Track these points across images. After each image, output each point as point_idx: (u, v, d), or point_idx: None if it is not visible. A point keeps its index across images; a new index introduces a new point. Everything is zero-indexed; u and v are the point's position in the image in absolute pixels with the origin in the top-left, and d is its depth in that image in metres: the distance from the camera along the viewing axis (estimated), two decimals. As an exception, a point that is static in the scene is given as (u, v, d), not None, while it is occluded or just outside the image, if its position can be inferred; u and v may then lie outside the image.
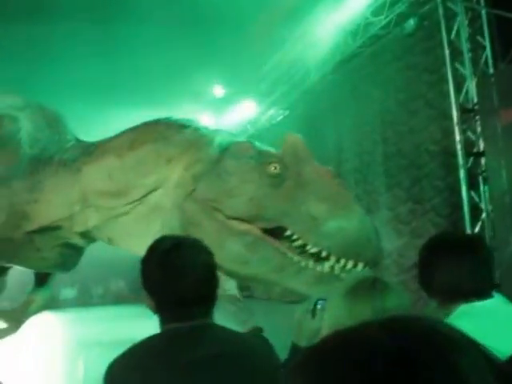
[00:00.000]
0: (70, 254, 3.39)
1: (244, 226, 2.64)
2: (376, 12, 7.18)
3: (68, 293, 11.85)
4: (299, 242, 2.52)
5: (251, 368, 1.39)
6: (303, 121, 9.19)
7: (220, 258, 2.39)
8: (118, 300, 10.32)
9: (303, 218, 2.48)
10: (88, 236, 3.17)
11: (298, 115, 9.52)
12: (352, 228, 2.42)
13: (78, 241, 3.22)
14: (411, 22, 6.94)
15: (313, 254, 2.49)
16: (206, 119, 10.96)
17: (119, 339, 5.92)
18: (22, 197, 3.15)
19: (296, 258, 2.52)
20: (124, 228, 2.93)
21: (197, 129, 2.92)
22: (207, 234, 2.63)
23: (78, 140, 3.47)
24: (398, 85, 7.09)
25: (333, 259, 2.45)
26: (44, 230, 3.13)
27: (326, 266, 2.45)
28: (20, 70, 8.06)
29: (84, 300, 11.52)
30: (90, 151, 3.07)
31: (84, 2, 7.78)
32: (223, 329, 1.46)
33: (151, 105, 8.59)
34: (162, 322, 1.43)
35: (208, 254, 1.47)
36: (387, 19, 7.03)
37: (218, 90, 10.09)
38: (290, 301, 9.38)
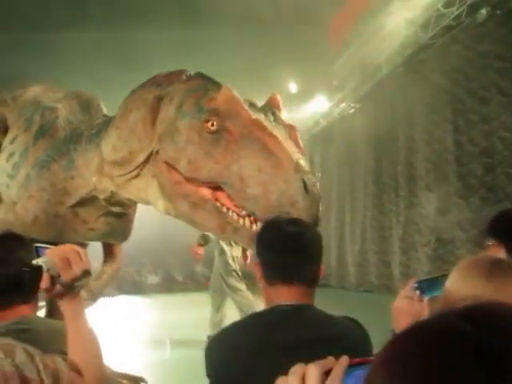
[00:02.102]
0: (116, 223, 3.54)
1: (190, 188, 2.64)
2: (447, 4, 7.30)
3: (152, 279, 12.59)
4: (234, 203, 2.48)
5: (348, 351, 1.46)
6: (374, 113, 9.39)
7: (178, 217, 2.90)
8: (200, 287, 10.70)
9: (234, 178, 2.39)
10: (115, 202, 3.31)
11: (370, 108, 9.71)
12: (276, 190, 2.25)
13: (113, 208, 3.36)
14: (483, 12, 7.02)
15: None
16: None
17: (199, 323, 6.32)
18: (60, 176, 3.34)
19: (232, 217, 2.48)
20: (139, 188, 3.04)
21: (167, 87, 2.89)
22: (167, 194, 2.82)
23: (105, 116, 3.63)
24: (469, 74, 7.15)
25: (260, 222, 2.35)
26: (83, 203, 3.31)
27: (255, 228, 2.37)
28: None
29: (168, 286, 12.12)
30: (107, 125, 3.22)
31: (168, 6, 8.37)
32: (320, 311, 1.53)
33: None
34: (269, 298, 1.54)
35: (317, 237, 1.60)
36: (459, 10, 7.15)
37: (293, 86, 10.48)
38: (364, 289, 9.64)
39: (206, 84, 2.75)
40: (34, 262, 1.26)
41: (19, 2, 7.76)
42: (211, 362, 1.52)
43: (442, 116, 7.74)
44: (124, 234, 3.74)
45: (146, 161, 2.88)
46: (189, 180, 2.64)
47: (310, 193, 2.21)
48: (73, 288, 1.26)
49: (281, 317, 1.48)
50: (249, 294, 5.97)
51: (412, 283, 1.38)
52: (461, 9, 7.13)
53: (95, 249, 4.01)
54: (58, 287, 1.24)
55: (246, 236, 2.45)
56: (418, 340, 0.46)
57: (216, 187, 2.54)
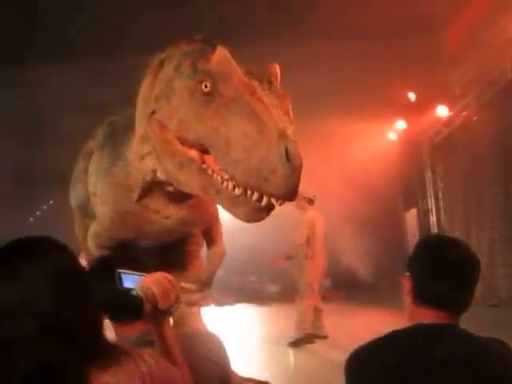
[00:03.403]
0: (187, 207, 3.46)
1: (179, 147, 2.64)
2: None
3: (272, 288, 12.89)
4: (218, 166, 2.47)
5: (492, 373, 1.37)
6: (500, 120, 8.95)
7: (163, 174, 2.93)
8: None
9: (220, 141, 2.36)
10: (161, 182, 3.23)
11: (494, 115, 9.27)
12: (257, 156, 2.19)
13: (168, 188, 3.29)
14: None
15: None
16: (400, 124, 11.27)
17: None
18: (120, 176, 3.35)
19: (216, 179, 2.47)
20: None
21: (170, 51, 2.88)
22: (156, 153, 2.84)
23: None
24: None
25: (240, 187, 2.34)
26: (146, 193, 3.28)
27: (237, 191, 2.36)
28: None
29: (289, 296, 12.31)
30: None
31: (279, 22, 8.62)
32: (465, 331, 1.49)
33: (350, 113, 9.22)
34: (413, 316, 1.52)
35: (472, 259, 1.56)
36: None
37: (412, 95, 10.34)
38: (492, 304, 9.13)
39: (205, 46, 2.73)
40: (133, 293, 1.30)
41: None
42: (351, 376, 1.52)
43: None
44: (201, 218, 3.68)
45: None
46: (180, 140, 2.64)
47: (292, 161, 2.14)
48: (167, 314, 1.38)
49: (425, 335, 1.46)
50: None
51: None
52: None
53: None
54: (157, 315, 1.35)
55: (227, 199, 2.44)
56: None
57: (204, 150, 2.53)
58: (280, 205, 2.36)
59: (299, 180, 2.21)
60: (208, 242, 4.14)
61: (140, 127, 3.00)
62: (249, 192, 2.32)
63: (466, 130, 10.43)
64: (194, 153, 2.60)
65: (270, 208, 2.38)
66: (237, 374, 3.16)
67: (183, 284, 3.81)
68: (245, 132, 2.27)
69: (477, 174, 10.26)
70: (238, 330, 7.81)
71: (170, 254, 3.90)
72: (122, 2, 8.25)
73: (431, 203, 11.95)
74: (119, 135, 3.44)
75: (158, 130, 2.77)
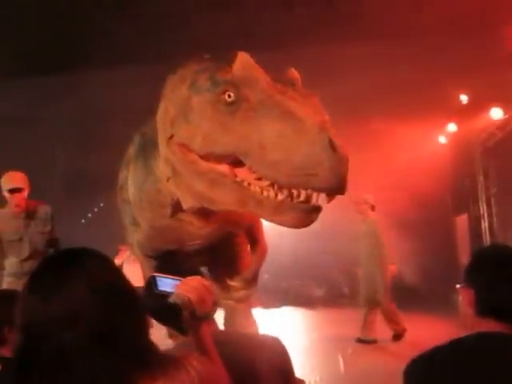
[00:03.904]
0: (218, 215, 3.39)
1: (206, 165, 2.52)
2: None
3: (317, 292, 12.81)
4: (255, 175, 2.35)
5: None
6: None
7: (195, 198, 2.77)
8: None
9: (254, 147, 2.25)
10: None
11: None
12: (299, 153, 2.08)
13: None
14: None
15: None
16: (451, 126, 10.98)
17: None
18: (152, 193, 3.32)
19: (255, 190, 2.35)
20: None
21: (180, 71, 2.82)
22: (184, 177, 2.71)
23: None
24: None
25: (285, 190, 2.23)
26: (178, 209, 3.20)
27: (280, 197, 2.25)
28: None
29: (334, 300, 12.21)
30: None
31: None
32: None
33: (400, 114, 9.04)
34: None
35: None
36: None
37: (464, 97, 10.06)
38: None
39: (219, 61, 2.66)
40: (170, 300, 1.30)
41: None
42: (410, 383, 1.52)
43: None
44: (238, 223, 3.65)
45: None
46: (204, 158, 2.52)
47: (337, 151, 2.04)
48: (204, 319, 1.35)
49: (490, 344, 1.45)
50: None
51: None
52: None
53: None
54: (195, 322, 1.33)
55: (270, 207, 2.30)
56: None
57: (234, 162, 2.42)
58: (329, 201, 2.25)
59: (347, 170, 2.12)
60: (250, 240, 4.13)
61: (162, 150, 2.93)
62: (295, 193, 2.23)
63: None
64: (224, 167, 2.49)
65: (318, 209, 2.27)
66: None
67: (230, 282, 4.01)
68: (279, 132, 2.17)
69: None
70: (286, 332, 7.79)
71: (216, 253, 3.92)
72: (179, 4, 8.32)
73: (483, 208, 11.57)
74: (148, 148, 3.38)
75: (179, 153, 2.68)
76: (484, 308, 1.51)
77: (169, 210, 3.25)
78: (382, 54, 8.68)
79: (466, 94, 10.04)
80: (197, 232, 3.43)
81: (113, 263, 1.20)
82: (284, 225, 2.36)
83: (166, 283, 1.34)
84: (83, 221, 15.17)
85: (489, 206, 11.45)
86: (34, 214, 4.68)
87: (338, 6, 8.42)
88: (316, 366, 5.91)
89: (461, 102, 10.35)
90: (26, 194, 4.62)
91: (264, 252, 4.20)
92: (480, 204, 11.63)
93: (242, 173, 2.43)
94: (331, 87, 9.08)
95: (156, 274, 1.35)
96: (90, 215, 15.39)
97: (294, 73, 2.55)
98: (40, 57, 8.44)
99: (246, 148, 2.30)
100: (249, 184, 2.39)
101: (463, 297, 1.56)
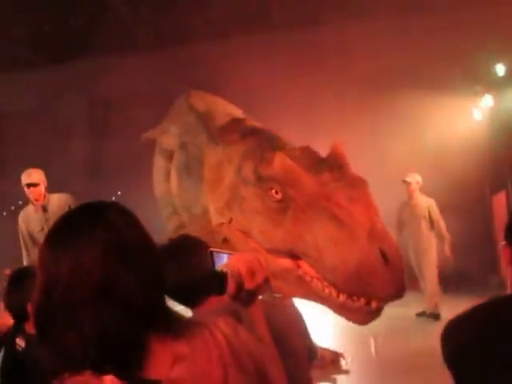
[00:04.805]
0: None
1: (269, 258, 2.56)
2: None
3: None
4: (313, 273, 2.39)
5: None
6: None
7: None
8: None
9: (310, 249, 2.32)
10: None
11: None
12: (353, 261, 2.13)
13: None
14: None
15: None
16: (488, 100, 10.44)
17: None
18: (201, 219, 3.47)
19: (317, 287, 2.37)
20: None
21: (225, 149, 2.93)
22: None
23: None
24: None
25: (344, 294, 2.26)
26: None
27: (342, 298, 2.28)
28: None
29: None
30: None
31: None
32: None
33: (431, 89, 8.63)
34: None
35: None
36: None
37: (500, 68, 9.52)
38: None
39: (262, 144, 2.72)
40: (218, 269, 1.31)
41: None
42: (446, 345, 1.47)
43: None
44: None
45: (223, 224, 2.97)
46: (267, 250, 2.59)
47: (390, 261, 2.05)
48: (255, 295, 1.31)
49: None
50: None
51: None
52: None
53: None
54: (243, 294, 1.29)
55: (333, 305, 2.35)
56: None
57: (296, 255, 2.48)
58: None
59: (403, 277, 2.14)
60: None
61: (218, 219, 3.04)
62: (354, 298, 2.25)
63: None
64: (286, 261, 2.54)
65: (379, 310, 2.31)
66: (315, 343, 3.22)
67: None
68: (332, 237, 2.22)
69: None
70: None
71: None
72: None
73: (521, 185, 11.12)
74: (192, 169, 3.48)
75: (241, 238, 2.77)
76: None
77: (220, 237, 3.30)
78: (408, 27, 8.35)
79: (503, 65, 9.49)
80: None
81: (135, 219, 1.11)
82: (348, 320, 2.41)
83: (222, 258, 1.35)
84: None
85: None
86: (47, 206, 5.06)
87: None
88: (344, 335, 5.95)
89: (496, 73, 9.80)
90: (41, 188, 5.08)
91: None
92: (518, 180, 11.18)
93: (305, 265, 2.49)
94: (363, 62, 8.73)
95: (213, 249, 1.36)
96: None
97: (338, 148, 2.60)
98: (46, 47, 8.36)
99: (303, 248, 2.40)
100: (311, 278, 2.44)
101: (503, 256, 1.48)
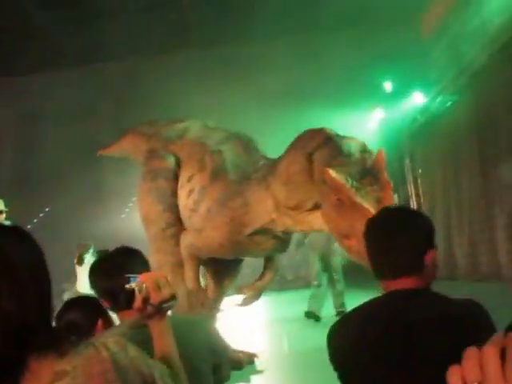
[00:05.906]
0: (281, 241, 4.40)
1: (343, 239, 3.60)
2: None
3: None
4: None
5: (471, 329, 1.37)
6: (473, 105, 9.23)
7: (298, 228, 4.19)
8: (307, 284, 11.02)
9: (358, 233, 2.68)
10: (288, 231, 4.23)
11: (468, 100, 9.56)
12: None
13: (283, 235, 4.26)
14: None
15: None
16: (378, 114, 11.59)
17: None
18: (237, 212, 4.16)
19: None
20: (309, 223, 3.87)
21: (315, 152, 3.73)
22: (333, 232, 3.79)
23: (265, 158, 4.46)
24: None
25: None
26: (257, 232, 4.14)
27: None
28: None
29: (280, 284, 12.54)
30: (271, 172, 4.05)
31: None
32: (438, 294, 1.53)
33: (331, 105, 9.51)
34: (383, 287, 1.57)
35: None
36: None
37: (388, 85, 10.68)
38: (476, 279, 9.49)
39: (332, 152, 3.59)
40: (127, 286, 1.39)
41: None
42: (334, 347, 1.55)
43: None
44: (284, 248, 4.61)
45: (315, 207, 3.78)
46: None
47: None
48: (161, 309, 1.38)
49: (400, 301, 1.49)
50: None
51: None
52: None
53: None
54: (149, 308, 1.37)
55: None
56: None
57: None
58: None
59: None
60: (269, 262, 4.92)
61: (293, 200, 3.89)
62: None
63: (442, 116, 10.74)
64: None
65: None
66: (230, 346, 3.63)
67: (246, 290, 4.90)
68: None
69: (455, 157, 10.54)
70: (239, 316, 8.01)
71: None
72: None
73: (411, 189, 12.34)
74: (236, 176, 4.30)
75: (330, 220, 3.68)
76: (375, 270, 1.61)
77: (249, 230, 4.12)
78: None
79: (390, 82, 10.65)
80: (256, 251, 4.39)
81: (30, 243, 1.09)
82: None
83: (136, 280, 1.42)
84: (29, 226, 14.59)
85: (415, 186, 12.21)
86: None
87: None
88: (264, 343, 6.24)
89: (384, 90, 10.97)
90: None
91: (276, 272, 5.06)
92: (407, 185, 12.37)
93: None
94: (269, 82, 9.40)
95: (129, 275, 1.43)
96: (35, 220, 14.85)
97: (381, 160, 3.58)
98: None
99: (353, 231, 3.27)
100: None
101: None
